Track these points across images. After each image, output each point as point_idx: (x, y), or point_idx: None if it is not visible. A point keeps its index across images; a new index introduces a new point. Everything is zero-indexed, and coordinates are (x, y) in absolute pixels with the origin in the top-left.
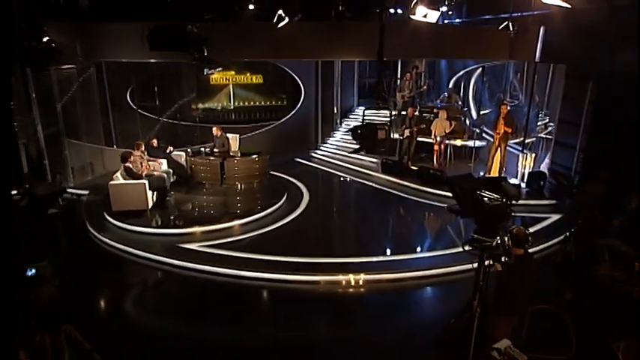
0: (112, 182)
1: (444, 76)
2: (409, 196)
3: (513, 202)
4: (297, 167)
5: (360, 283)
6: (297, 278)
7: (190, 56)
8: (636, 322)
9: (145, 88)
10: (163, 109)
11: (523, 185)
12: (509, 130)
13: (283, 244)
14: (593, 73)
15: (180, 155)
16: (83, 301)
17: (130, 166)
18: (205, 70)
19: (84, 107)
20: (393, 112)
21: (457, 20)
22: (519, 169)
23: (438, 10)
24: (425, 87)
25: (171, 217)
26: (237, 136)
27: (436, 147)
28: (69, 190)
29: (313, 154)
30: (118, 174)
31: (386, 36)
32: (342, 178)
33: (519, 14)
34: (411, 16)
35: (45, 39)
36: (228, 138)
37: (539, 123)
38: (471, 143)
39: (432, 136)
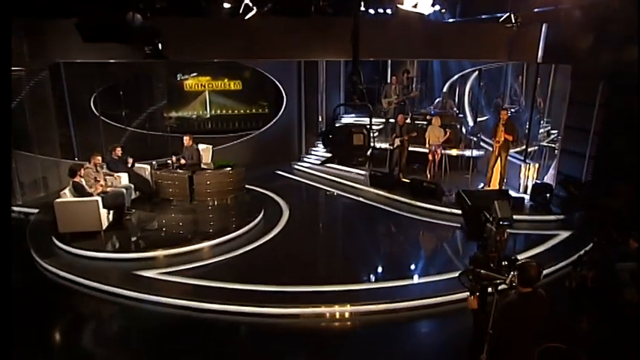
0: (58, 200)
1: (438, 80)
2: (401, 212)
3: (504, 225)
4: (277, 181)
5: (347, 315)
6: (273, 311)
7: (143, 52)
8: None
9: (111, 95)
10: (131, 118)
11: (526, 198)
12: (510, 138)
13: (257, 269)
14: (604, 73)
15: (144, 168)
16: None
17: (80, 180)
18: (178, 75)
19: (36, 115)
20: (381, 120)
21: (450, 20)
22: (521, 180)
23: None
24: (415, 92)
25: (131, 239)
26: (210, 147)
27: (430, 157)
28: (15, 208)
29: (296, 166)
30: (66, 190)
31: (369, 33)
32: (327, 193)
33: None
34: (399, 6)
35: None
36: (199, 149)
37: (541, 130)
38: (467, 153)
39: (427, 145)
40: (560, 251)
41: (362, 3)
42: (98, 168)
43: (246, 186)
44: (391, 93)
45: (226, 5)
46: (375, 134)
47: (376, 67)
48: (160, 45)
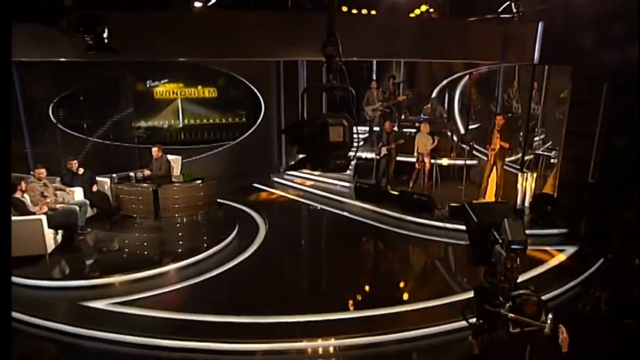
0: None
1: (426, 85)
2: (390, 227)
3: (516, 249)
4: (254, 194)
5: (331, 351)
6: (244, 347)
7: (85, 44)
8: None
9: (73, 102)
10: (95, 128)
11: (526, 210)
12: (507, 145)
13: (228, 296)
14: (609, 73)
15: (103, 182)
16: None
17: (20, 196)
18: (148, 82)
19: None
20: (364, 129)
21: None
22: (519, 191)
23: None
24: (402, 97)
25: (82, 264)
26: (179, 158)
27: (417, 166)
28: None
29: (275, 179)
30: None
31: (351, 30)
32: (309, 207)
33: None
34: None
35: None
36: (169, 161)
37: (535, 138)
38: (459, 162)
39: (415, 153)
40: (568, 269)
41: None
42: (46, 182)
43: (220, 201)
44: (374, 99)
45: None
46: (360, 143)
47: (359, 71)
48: (104, 35)
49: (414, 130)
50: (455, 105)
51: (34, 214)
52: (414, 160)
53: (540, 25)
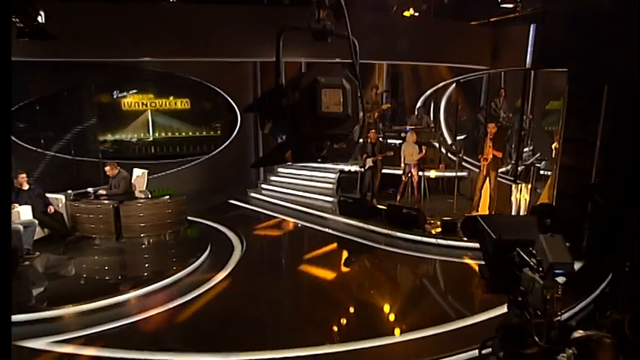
0: None
1: (411, 95)
2: (377, 245)
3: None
4: (230, 212)
5: None
6: None
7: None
8: None
9: (29, 113)
10: (53, 141)
11: None
12: (500, 155)
13: (197, 329)
14: (609, 76)
15: (57, 199)
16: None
17: None
18: (115, 92)
19: None
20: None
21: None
22: (513, 203)
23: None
24: (387, 104)
25: (28, 293)
26: (145, 172)
27: (404, 178)
28: None
29: (252, 195)
30: None
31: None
32: (288, 225)
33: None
34: None
35: None
36: (127, 178)
37: (525, 149)
38: (449, 174)
39: (402, 165)
40: (579, 288)
41: None
42: None
43: (191, 219)
44: None
45: None
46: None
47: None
48: (40, 18)
49: (399, 142)
50: (441, 115)
51: None
52: (400, 172)
53: (532, 28)
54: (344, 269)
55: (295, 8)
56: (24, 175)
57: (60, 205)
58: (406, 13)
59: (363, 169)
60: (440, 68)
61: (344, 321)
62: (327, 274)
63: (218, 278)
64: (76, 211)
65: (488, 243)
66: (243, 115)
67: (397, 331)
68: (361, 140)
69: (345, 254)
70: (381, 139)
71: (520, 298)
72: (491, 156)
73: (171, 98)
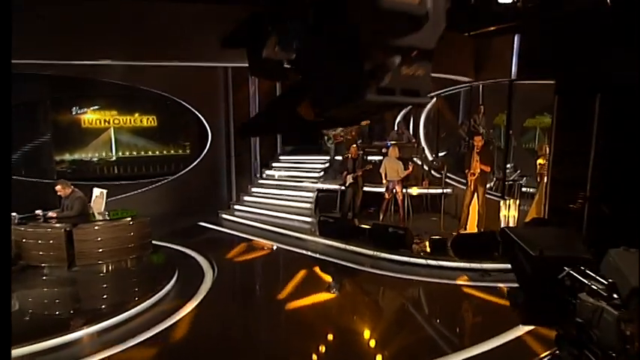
0: None
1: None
2: (361, 267)
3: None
4: (200, 235)
5: None
6: None
7: None
8: None
9: None
10: None
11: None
12: (487, 169)
13: None
14: (601, 85)
15: None
16: None
17: None
18: (74, 108)
19: None
20: (324, 158)
21: None
22: (502, 220)
23: None
24: (366, 121)
25: None
26: (104, 191)
27: (387, 196)
28: None
29: (224, 216)
30: None
31: None
32: (263, 248)
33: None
34: None
35: None
36: (81, 197)
37: (507, 165)
38: (433, 191)
39: (383, 181)
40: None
41: None
42: None
43: (156, 243)
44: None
45: None
46: (320, 174)
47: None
48: None
49: (380, 158)
50: (420, 130)
51: None
52: (381, 189)
53: (517, 38)
54: (326, 295)
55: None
56: None
57: None
58: None
59: (343, 187)
60: None
61: (327, 353)
62: (308, 301)
63: (186, 309)
64: (22, 236)
65: (525, 261)
66: (214, 132)
67: None
68: (339, 157)
69: (326, 278)
70: (361, 153)
71: (578, 334)
72: (478, 170)
73: (137, 115)
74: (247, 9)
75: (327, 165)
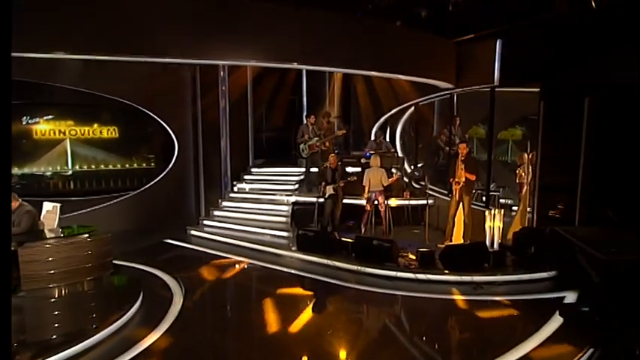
0: None
1: (364, 121)
2: (345, 284)
3: None
4: (167, 253)
5: None
6: None
7: None
8: None
9: None
10: None
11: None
12: (473, 178)
13: None
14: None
15: None
16: None
17: None
18: (24, 118)
19: None
20: (299, 170)
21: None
22: (487, 231)
23: None
24: (343, 130)
25: None
26: (57, 205)
27: (368, 207)
28: None
29: (193, 233)
30: None
31: (264, 29)
32: (237, 265)
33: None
34: None
35: None
36: (30, 212)
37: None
38: (414, 202)
39: (366, 193)
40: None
41: None
42: None
43: (118, 262)
44: (309, 133)
45: None
46: (295, 186)
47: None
48: None
49: (358, 170)
50: (397, 141)
51: None
52: (360, 202)
53: (498, 43)
54: (308, 315)
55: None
56: None
57: None
58: None
59: (322, 199)
60: (397, 89)
61: None
62: (288, 323)
63: (152, 338)
64: None
65: (589, 268)
66: (181, 143)
67: None
68: (315, 169)
69: (308, 297)
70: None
71: None
72: (463, 179)
73: (96, 126)
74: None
75: (301, 177)
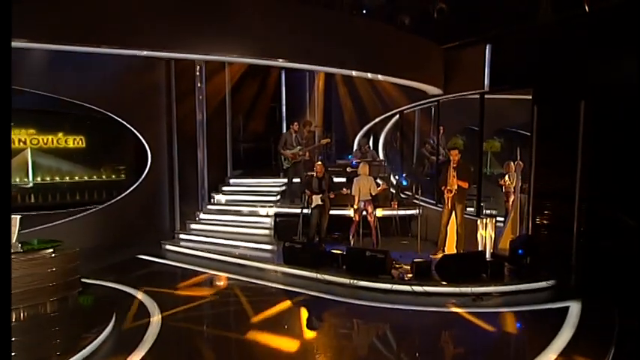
0: None
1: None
2: (337, 298)
3: None
4: (140, 269)
5: None
6: None
7: None
8: None
9: None
10: None
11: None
12: (466, 185)
13: None
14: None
15: None
16: None
17: None
18: None
19: None
20: (281, 181)
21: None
22: (479, 240)
23: None
24: (326, 140)
25: None
26: (17, 217)
27: (356, 218)
28: None
29: (168, 247)
30: None
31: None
32: (218, 281)
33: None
34: None
35: None
36: None
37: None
38: (402, 212)
39: (355, 203)
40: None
41: None
42: None
43: (86, 281)
44: (292, 142)
45: None
46: (277, 197)
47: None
48: None
49: (343, 180)
50: (380, 150)
51: None
52: (346, 212)
53: (488, 48)
54: (300, 333)
55: None
56: None
57: None
58: None
59: (307, 210)
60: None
61: None
62: (280, 344)
63: None
64: None
65: None
66: (154, 153)
67: None
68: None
69: (297, 313)
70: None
71: None
72: (455, 187)
73: (61, 135)
74: None
75: (283, 188)
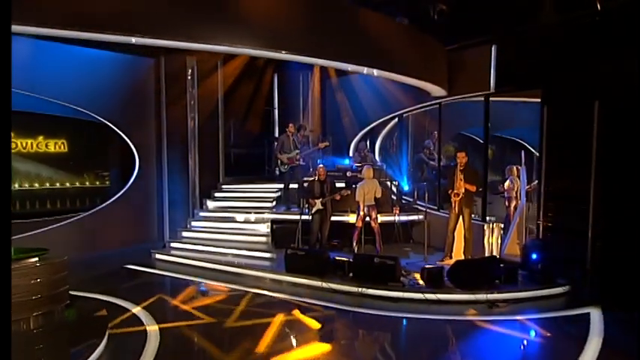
0: None
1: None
2: (345, 307)
3: None
4: (131, 280)
5: None
6: None
7: None
8: None
9: None
10: None
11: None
12: (473, 189)
13: None
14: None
15: None
16: None
17: None
18: None
19: None
20: (276, 187)
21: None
22: (486, 246)
23: None
24: (324, 144)
25: None
26: None
27: (359, 223)
28: None
29: (159, 256)
30: None
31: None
32: (215, 291)
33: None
34: None
35: None
36: None
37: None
38: (405, 218)
39: (361, 209)
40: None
41: None
42: None
43: (75, 293)
44: (290, 145)
45: None
46: (273, 204)
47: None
48: None
49: (342, 184)
50: (376, 154)
51: None
52: (347, 218)
53: (494, 49)
54: (311, 348)
55: None
56: None
57: None
58: None
59: (308, 215)
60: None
61: None
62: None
63: None
64: None
65: None
66: (142, 158)
67: None
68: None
69: (306, 326)
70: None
71: None
72: (463, 190)
73: (41, 138)
74: None
75: (279, 193)
